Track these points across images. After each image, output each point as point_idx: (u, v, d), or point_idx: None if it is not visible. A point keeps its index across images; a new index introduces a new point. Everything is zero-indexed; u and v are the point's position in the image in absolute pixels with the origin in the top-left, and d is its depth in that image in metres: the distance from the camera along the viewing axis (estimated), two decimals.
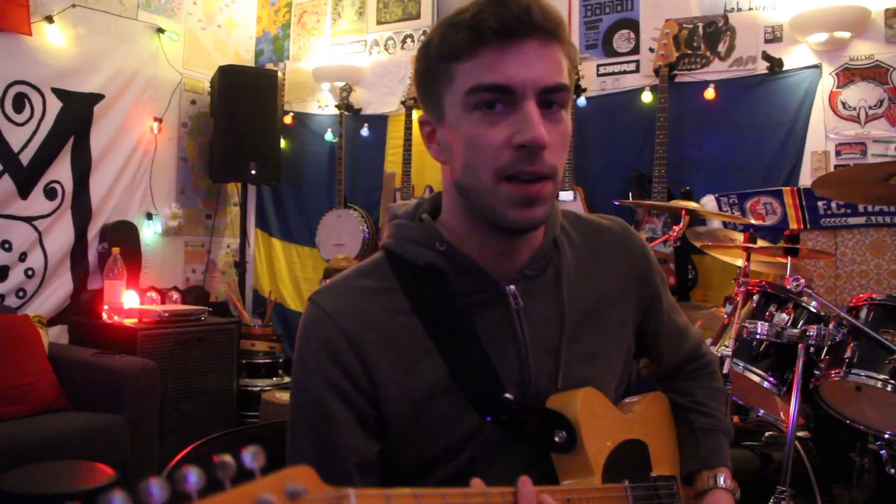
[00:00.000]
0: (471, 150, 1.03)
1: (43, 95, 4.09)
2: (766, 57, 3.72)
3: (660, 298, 1.31)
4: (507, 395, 1.07)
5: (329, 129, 5.14)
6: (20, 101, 3.98)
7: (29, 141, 4.03)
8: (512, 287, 1.11)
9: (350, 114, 4.98)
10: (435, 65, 1.06)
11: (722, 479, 1.25)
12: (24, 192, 4.02)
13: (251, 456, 0.61)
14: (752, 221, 3.44)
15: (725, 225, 3.63)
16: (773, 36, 3.76)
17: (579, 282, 1.18)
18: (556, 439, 1.06)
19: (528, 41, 0.99)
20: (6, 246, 3.95)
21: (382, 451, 1.10)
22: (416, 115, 4.68)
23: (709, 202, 3.77)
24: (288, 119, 5.32)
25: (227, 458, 0.60)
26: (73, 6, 4.22)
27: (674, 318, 1.36)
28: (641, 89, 4.01)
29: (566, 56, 1.04)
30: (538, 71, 0.99)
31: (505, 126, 1.00)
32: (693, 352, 1.40)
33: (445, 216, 1.14)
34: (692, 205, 3.08)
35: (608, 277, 1.22)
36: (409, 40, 4.92)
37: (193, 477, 0.57)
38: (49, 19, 4.09)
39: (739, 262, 2.96)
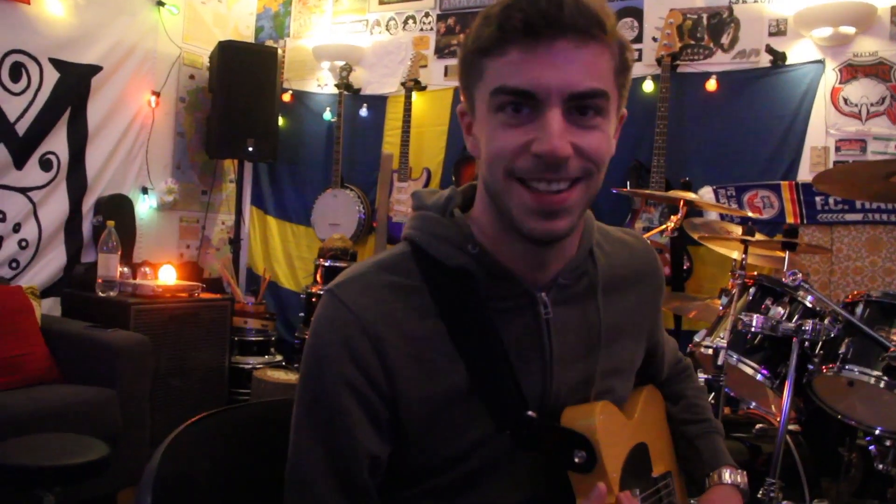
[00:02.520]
0: (492, 152, 0.97)
1: (40, 65, 4.05)
2: (769, 50, 3.71)
3: (660, 314, 1.33)
4: (531, 413, 1.03)
5: (328, 109, 5.12)
6: (17, 71, 3.95)
7: (25, 111, 3.99)
8: (543, 295, 1.07)
9: (349, 93, 4.96)
10: (469, 58, 1.00)
11: (726, 475, 1.27)
12: (19, 162, 3.99)
13: None
14: (750, 214, 3.45)
15: (723, 217, 3.63)
16: (778, 29, 3.75)
17: (609, 296, 1.15)
18: (577, 460, 1.03)
19: (558, 42, 0.92)
20: (0, 216, 3.93)
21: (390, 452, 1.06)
22: (415, 96, 4.66)
23: (707, 194, 3.77)
24: (287, 97, 5.29)
25: None
26: None
27: (663, 332, 1.37)
28: (643, 78, 3.99)
29: (611, 55, 0.96)
30: (567, 75, 0.92)
31: (525, 131, 0.94)
32: (675, 356, 1.42)
33: (476, 214, 1.09)
34: (690, 196, 3.07)
35: (631, 296, 1.20)
36: (410, 21, 4.89)
37: None
38: None
39: (735, 255, 2.96)
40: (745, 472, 1.30)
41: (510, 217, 0.99)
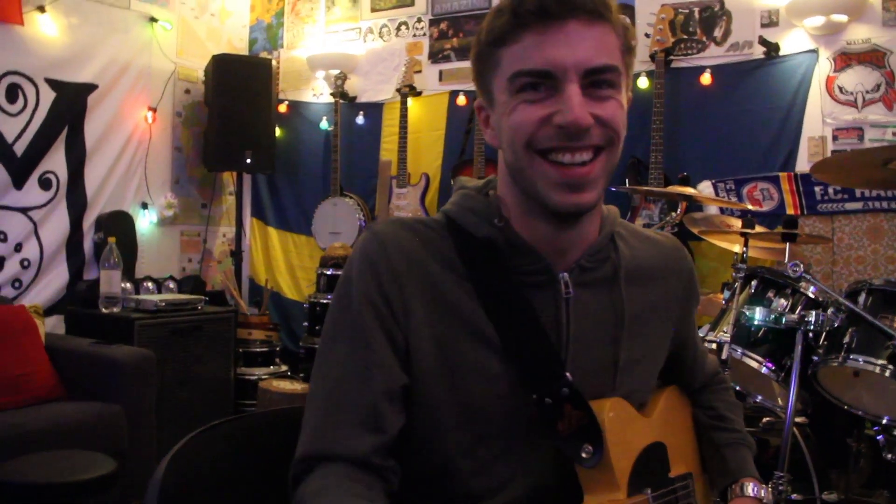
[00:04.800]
0: (514, 131, 1.02)
1: (36, 86, 4.06)
2: (762, 41, 3.71)
3: (692, 320, 1.32)
4: (568, 375, 1.05)
5: (324, 118, 5.12)
6: (13, 92, 3.96)
7: (23, 131, 4.00)
8: (565, 275, 1.09)
9: (345, 102, 4.97)
10: (484, 51, 1.05)
11: (750, 488, 1.25)
12: (18, 182, 4.00)
13: None
14: (749, 207, 3.44)
15: (722, 211, 3.63)
16: (770, 20, 3.75)
17: (632, 285, 1.16)
18: (583, 455, 1.04)
19: (569, 22, 0.98)
20: (1, 237, 3.94)
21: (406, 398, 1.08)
22: (411, 102, 4.66)
23: (706, 188, 3.76)
24: (283, 107, 5.29)
25: None
26: None
27: (697, 340, 1.37)
28: (638, 75, 3.99)
29: (616, 35, 1.02)
30: (581, 52, 0.98)
31: (546, 105, 0.99)
32: (713, 372, 1.42)
33: (501, 195, 1.13)
34: (689, 191, 3.07)
35: (657, 290, 1.21)
36: (403, 27, 4.89)
37: None
38: (41, 9, 4.05)
39: (737, 248, 2.96)
40: (769, 490, 1.29)
41: (535, 192, 1.03)
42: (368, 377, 1.03)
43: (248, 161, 4.73)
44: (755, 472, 1.29)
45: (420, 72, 4.71)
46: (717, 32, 3.87)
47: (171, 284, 4.53)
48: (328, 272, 4.41)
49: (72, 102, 4.25)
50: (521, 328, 1.06)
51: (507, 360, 1.05)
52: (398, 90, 4.66)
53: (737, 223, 2.98)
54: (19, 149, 3.99)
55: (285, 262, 5.31)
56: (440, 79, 4.73)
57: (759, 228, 2.83)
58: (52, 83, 4.14)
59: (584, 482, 1.05)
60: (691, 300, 1.29)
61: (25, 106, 4.02)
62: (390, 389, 1.04)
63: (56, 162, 4.19)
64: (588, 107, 0.98)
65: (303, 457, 1.03)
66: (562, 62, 0.97)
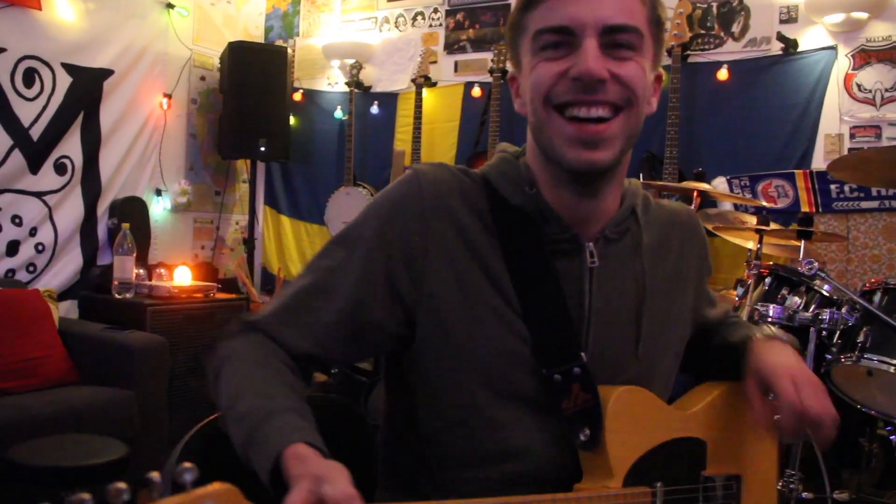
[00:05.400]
0: (533, 88, 1.04)
1: (53, 70, 4.08)
2: (780, 38, 3.68)
3: (706, 290, 1.32)
4: (584, 355, 1.06)
5: (339, 107, 5.12)
6: (30, 76, 3.97)
7: (39, 116, 4.02)
8: (590, 245, 1.10)
9: (360, 91, 4.96)
10: (515, 18, 1.08)
11: (757, 334, 1.19)
12: (34, 167, 4.01)
13: (188, 471, 0.67)
14: (764, 204, 3.42)
15: (737, 207, 3.61)
16: (789, 16, 3.72)
17: (654, 257, 1.17)
18: (581, 437, 1.05)
19: None
20: (16, 221, 3.96)
21: (406, 356, 1.11)
22: (425, 93, 4.65)
23: (720, 184, 3.74)
24: (297, 96, 5.29)
25: (156, 475, 0.66)
26: None
27: (709, 290, 1.36)
28: None
29: (642, 3, 1.04)
30: (601, 10, 0.99)
31: (564, 62, 1.01)
32: (725, 313, 1.38)
33: (528, 160, 1.14)
34: (704, 186, 3.06)
35: (677, 260, 1.22)
36: (419, 17, 4.88)
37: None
38: None
39: (751, 245, 2.94)
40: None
41: (553, 150, 1.04)
42: (338, 298, 1.07)
43: (262, 149, 4.73)
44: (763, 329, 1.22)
45: (435, 62, 4.70)
46: (735, 28, 3.84)
47: (184, 271, 4.54)
48: None
49: (88, 88, 4.26)
50: (545, 297, 1.07)
51: (525, 326, 1.07)
52: (413, 80, 4.65)
53: (751, 220, 2.97)
54: (35, 133, 4.00)
55: (298, 251, 5.32)
56: (455, 70, 4.71)
57: (773, 225, 2.82)
58: (69, 68, 4.15)
59: (583, 464, 1.07)
60: (704, 269, 1.29)
61: (42, 91, 4.03)
62: (353, 322, 1.07)
63: (71, 147, 4.20)
64: (606, 63, 1.00)
65: (249, 321, 1.11)
66: (581, 18, 0.99)
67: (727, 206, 3.69)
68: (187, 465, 0.67)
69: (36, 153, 4.02)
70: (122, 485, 0.63)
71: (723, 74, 3.82)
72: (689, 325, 1.26)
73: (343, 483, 0.81)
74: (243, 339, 1.10)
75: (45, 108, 4.04)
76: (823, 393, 1.09)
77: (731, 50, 3.85)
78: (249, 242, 5.10)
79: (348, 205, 4.82)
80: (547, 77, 1.01)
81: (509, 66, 1.17)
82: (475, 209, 1.09)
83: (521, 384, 1.07)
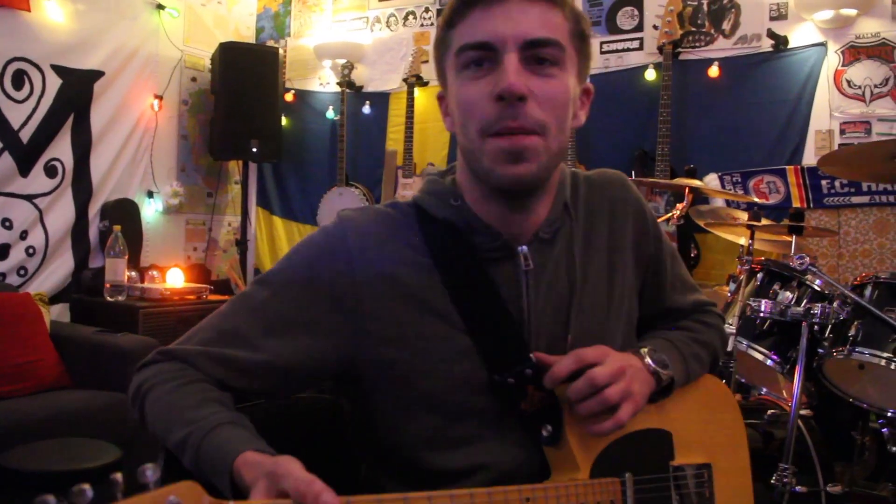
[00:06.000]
0: (461, 109, 1.05)
1: (42, 72, 4.06)
2: (770, 34, 3.70)
3: (660, 251, 1.28)
4: (533, 356, 1.06)
5: (330, 107, 5.12)
6: (20, 78, 3.95)
7: (29, 118, 4.00)
8: (524, 248, 1.11)
9: (351, 91, 4.96)
10: (440, 35, 1.10)
11: (643, 350, 1.15)
12: (24, 170, 4.00)
13: (150, 471, 0.68)
14: (756, 200, 3.43)
15: (728, 203, 3.62)
16: (779, 13, 3.73)
17: (587, 245, 1.18)
18: (544, 433, 1.06)
19: (513, 0, 1.01)
20: (7, 224, 3.94)
21: (355, 388, 1.12)
22: (417, 92, 4.65)
23: (712, 180, 3.75)
24: (289, 97, 5.29)
25: (118, 475, 0.68)
26: None
27: (678, 270, 1.32)
28: (645, 67, 3.99)
29: (565, 18, 1.05)
30: (520, 25, 1.00)
31: (487, 81, 1.01)
32: (698, 304, 1.35)
33: (458, 177, 1.15)
34: (695, 183, 3.06)
35: (610, 236, 1.21)
36: (411, 17, 4.88)
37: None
38: None
39: (742, 241, 2.95)
40: (669, 365, 1.15)
41: (482, 171, 1.04)
42: (260, 341, 1.07)
43: (254, 150, 4.72)
44: (674, 354, 1.19)
45: (427, 62, 4.70)
46: (726, 25, 3.85)
47: (177, 273, 4.53)
48: None
49: (78, 89, 4.24)
50: (483, 306, 1.08)
51: (471, 340, 1.07)
52: (405, 80, 4.65)
53: (743, 216, 2.97)
54: (25, 136, 3.98)
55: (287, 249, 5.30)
56: None
57: (765, 221, 2.82)
58: (59, 69, 4.13)
59: (550, 460, 1.08)
60: (647, 226, 1.24)
61: (31, 92, 4.01)
62: (279, 364, 1.07)
63: (62, 149, 4.19)
64: (526, 79, 1.00)
65: (167, 350, 1.11)
66: (502, 33, 1.00)
67: (719, 202, 3.70)
68: (149, 465, 0.68)
69: (26, 156, 4.00)
70: (85, 485, 0.65)
71: (714, 71, 3.83)
72: (633, 300, 1.24)
73: (297, 472, 0.81)
74: (162, 366, 1.10)
75: (34, 110, 4.02)
76: (634, 400, 1.06)
77: (722, 47, 3.86)
78: (242, 244, 5.09)
79: (341, 205, 4.81)
80: (475, 105, 1.02)
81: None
82: (405, 240, 1.10)
83: (476, 401, 1.08)
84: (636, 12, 4.08)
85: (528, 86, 1.00)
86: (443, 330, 1.07)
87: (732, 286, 2.70)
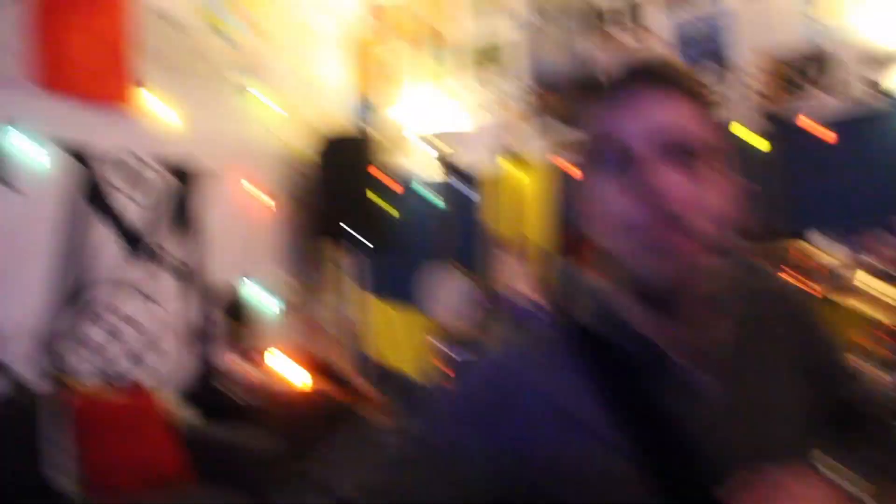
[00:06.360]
0: (606, 210, 0.95)
1: (146, 164, 4.23)
2: (871, 86, 3.56)
3: (832, 364, 1.17)
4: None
5: (431, 190, 5.19)
6: (129, 173, 4.14)
7: (138, 210, 4.17)
8: (685, 363, 0.99)
9: (452, 173, 5.02)
10: (582, 110, 1.01)
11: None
12: (134, 258, 4.14)
13: None
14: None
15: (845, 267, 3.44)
16: (881, 64, 3.60)
17: (750, 357, 1.05)
18: None
19: (657, 92, 0.93)
20: (118, 312, 4.05)
21: None
22: (518, 172, 4.65)
23: (824, 243, 3.58)
24: (390, 181, 5.35)
25: None
26: (167, 73, 4.31)
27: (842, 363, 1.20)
28: (740, 128, 3.88)
29: (699, 112, 0.95)
30: (655, 121, 0.92)
31: (631, 184, 0.92)
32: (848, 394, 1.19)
33: (604, 288, 1.04)
34: (807, 247, 2.93)
35: (774, 347, 1.08)
36: (509, 98, 4.93)
37: None
38: (144, 87, 4.18)
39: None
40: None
41: (634, 276, 0.94)
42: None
43: (357, 235, 4.79)
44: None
45: (526, 142, 4.71)
46: (824, 80, 3.73)
47: (293, 366, 4.54)
48: (447, 347, 4.38)
49: (184, 182, 4.42)
50: (649, 428, 0.98)
51: (636, 464, 0.96)
52: (504, 160, 4.66)
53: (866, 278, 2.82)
54: (134, 227, 4.14)
55: (399, 338, 5.30)
56: (545, 149, 4.71)
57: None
58: (165, 164, 4.31)
59: None
60: (811, 343, 1.12)
61: (137, 184, 4.18)
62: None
63: (169, 239, 4.33)
64: (684, 186, 0.91)
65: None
66: (635, 131, 0.92)
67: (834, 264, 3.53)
68: None
69: (134, 244, 4.14)
70: None
71: (817, 129, 3.70)
72: (808, 403, 1.07)
73: None
74: None
75: (144, 202, 4.19)
76: None
77: (822, 103, 3.74)
78: (346, 329, 5.12)
79: (449, 290, 4.81)
80: (620, 208, 0.92)
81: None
82: (563, 373, 1.00)
83: None
84: (723, 71, 4.01)
85: (686, 193, 0.92)
86: (602, 454, 0.98)
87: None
